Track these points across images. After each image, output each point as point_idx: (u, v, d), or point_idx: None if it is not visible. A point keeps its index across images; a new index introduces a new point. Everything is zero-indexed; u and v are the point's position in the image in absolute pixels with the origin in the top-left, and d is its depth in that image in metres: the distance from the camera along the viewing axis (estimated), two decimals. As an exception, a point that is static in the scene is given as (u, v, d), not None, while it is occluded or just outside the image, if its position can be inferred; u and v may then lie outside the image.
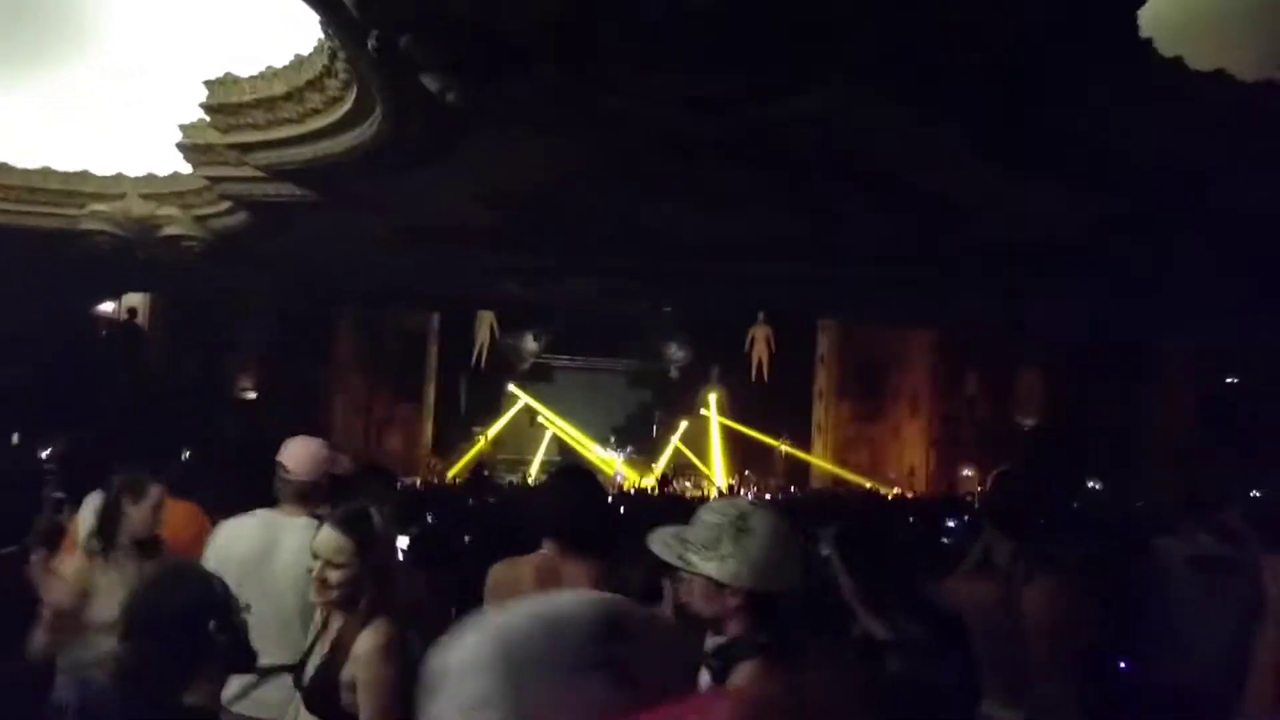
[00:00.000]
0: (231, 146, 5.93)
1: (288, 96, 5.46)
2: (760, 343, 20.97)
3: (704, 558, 1.77)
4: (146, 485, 3.51)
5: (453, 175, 5.57)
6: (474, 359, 22.47)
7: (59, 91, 7.38)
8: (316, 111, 5.36)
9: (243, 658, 1.99)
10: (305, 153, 5.64)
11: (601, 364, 23.16)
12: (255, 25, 5.81)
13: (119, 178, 7.89)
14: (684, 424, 21.53)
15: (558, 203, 6.12)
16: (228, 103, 5.72)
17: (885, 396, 18.95)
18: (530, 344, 23.76)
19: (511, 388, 21.73)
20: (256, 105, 5.62)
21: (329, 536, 2.36)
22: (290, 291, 14.12)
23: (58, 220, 7.87)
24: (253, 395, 18.49)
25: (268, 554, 3.23)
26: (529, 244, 6.97)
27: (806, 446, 19.81)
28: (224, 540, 3.23)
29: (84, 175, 7.84)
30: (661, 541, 1.88)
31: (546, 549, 2.85)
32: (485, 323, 22.46)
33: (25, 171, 7.68)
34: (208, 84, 5.76)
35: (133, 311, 16.09)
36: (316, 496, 3.42)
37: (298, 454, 3.54)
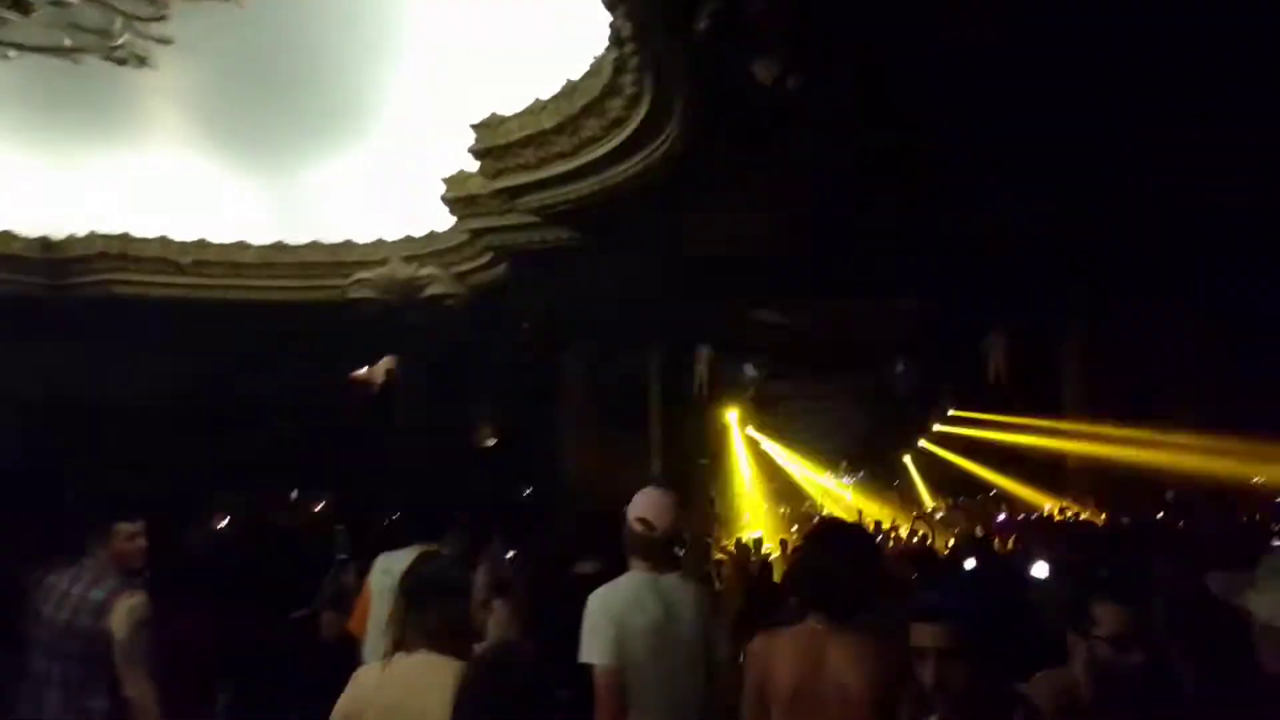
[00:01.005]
0: (500, 192, 5.38)
1: (559, 129, 4.84)
2: (998, 353, 19.10)
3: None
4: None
5: (736, 196, 4.75)
6: (696, 391, 21.88)
7: (335, 168, 7.21)
8: (593, 140, 4.69)
9: None
10: (580, 188, 5.00)
11: (825, 389, 21.95)
12: (517, 71, 5.25)
13: (379, 243, 7.67)
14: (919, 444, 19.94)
15: (848, 216, 5.18)
16: (495, 145, 5.18)
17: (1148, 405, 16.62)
18: (750, 373, 22.88)
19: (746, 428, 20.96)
20: (526, 143, 5.04)
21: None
22: (524, 339, 14.00)
23: (327, 292, 7.74)
24: (493, 443, 18.71)
25: (669, 620, 2.97)
26: (801, 266, 6.06)
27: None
28: (618, 610, 2.94)
29: (349, 245, 7.67)
30: None
31: (813, 620, 2.55)
32: (704, 357, 21.84)
33: (297, 248, 7.60)
34: (475, 127, 5.25)
35: (390, 372, 16.50)
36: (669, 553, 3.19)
37: (658, 507, 3.20)
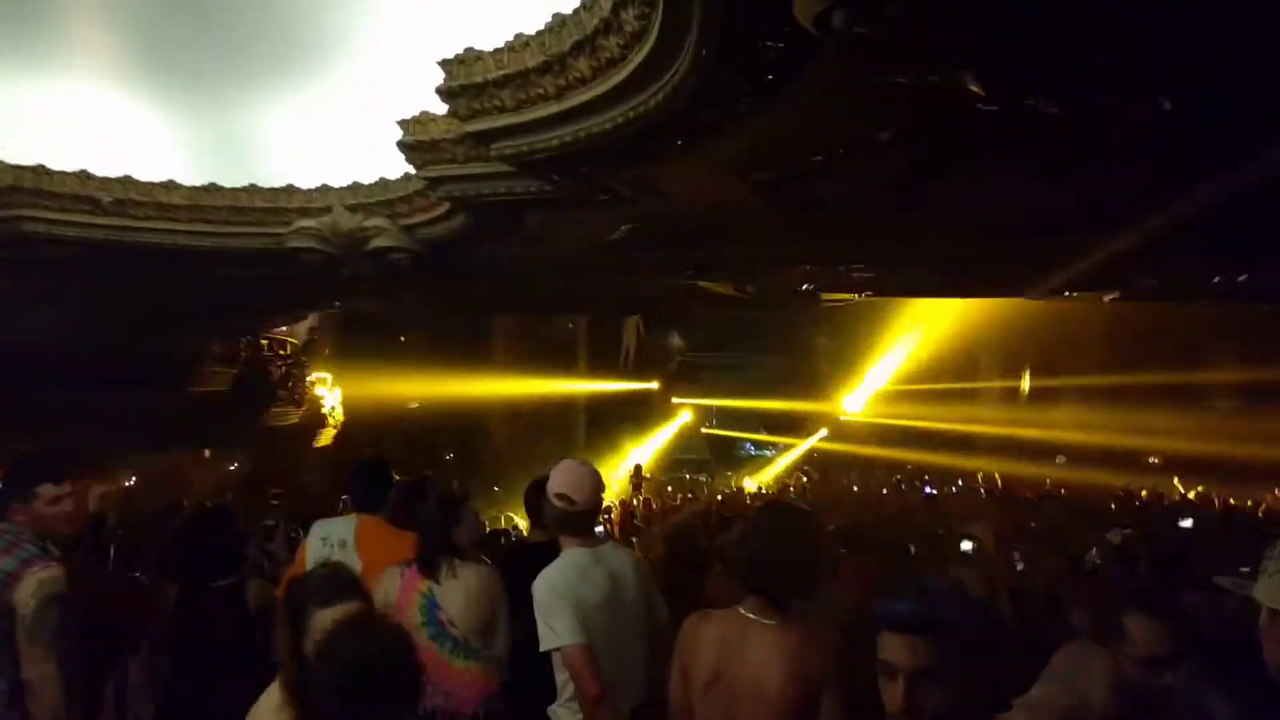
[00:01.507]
0: (471, 136, 4.97)
1: (544, 68, 4.46)
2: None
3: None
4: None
5: (735, 148, 4.47)
6: (621, 359, 21.70)
7: (295, 109, 6.63)
8: (582, 81, 4.33)
9: None
10: (563, 134, 4.63)
11: (748, 359, 22.03)
12: (492, 2, 4.82)
13: (323, 190, 7.12)
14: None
15: (844, 176, 4.94)
16: (468, 84, 4.76)
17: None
18: (676, 342, 22.81)
19: (669, 397, 20.89)
20: (504, 83, 4.63)
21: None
22: (449, 303, 13.52)
23: (264, 240, 7.16)
24: (414, 405, 18.22)
25: (616, 591, 2.99)
26: (787, 231, 5.82)
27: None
28: (568, 587, 2.92)
29: (289, 190, 7.09)
30: None
31: (745, 606, 2.49)
32: (631, 325, 21.65)
33: (232, 190, 6.99)
34: (445, 64, 4.81)
35: (313, 331, 15.77)
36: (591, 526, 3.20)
37: (578, 481, 3.18)
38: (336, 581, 2.38)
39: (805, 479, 16.68)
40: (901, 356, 18.38)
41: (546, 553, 3.35)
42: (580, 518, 3.07)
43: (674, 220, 6.10)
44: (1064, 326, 15.13)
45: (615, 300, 12.32)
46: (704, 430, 22.02)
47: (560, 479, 3.26)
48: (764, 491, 14.69)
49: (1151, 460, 15.26)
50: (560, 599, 2.86)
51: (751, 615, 2.48)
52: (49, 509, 3.30)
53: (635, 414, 21.31)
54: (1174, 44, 3.34)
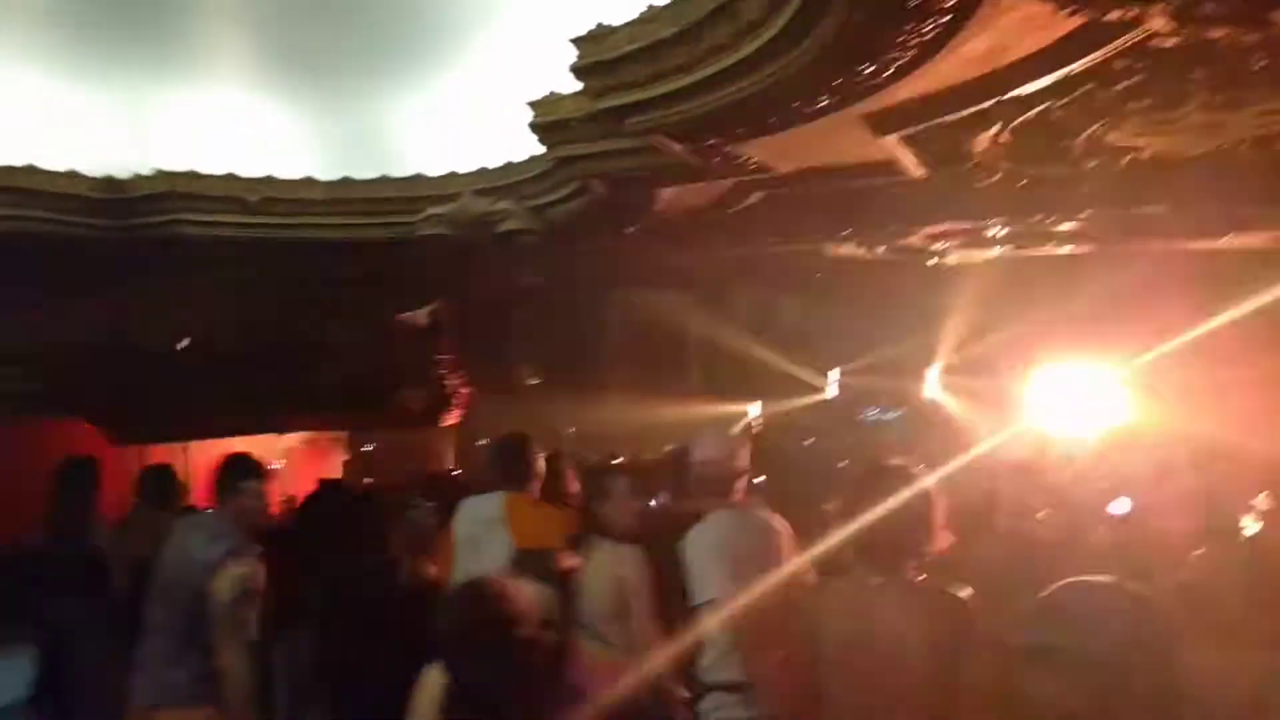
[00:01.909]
0: (605, 112, 4.92)
1: (678, 38, 4.36)
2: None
3: None
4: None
5: (885, 103, 4.28)
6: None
7: (406, 96, 6.74)
8: (719, 49, 4.21)
9: None
10: (697, 105, 4.52)
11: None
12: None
13: (452, 177, 7.22)
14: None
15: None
16: (601, 60, 4.70)
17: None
18: (788, 311, 22.43)
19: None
20: (637, 56, 4.56)
21: None
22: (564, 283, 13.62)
23: (397, 230, 7.33)
24: (534, 382, 18.51)
25: (763, 550, 3.10)
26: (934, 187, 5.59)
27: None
28: (720, 537, 3.05)
29: (419, 179, 7.22)
30: None
31: (862, 571, 2.59)
32: (743, 296, 21.39)
33: (366, 183, 7.16)
34: (577, 41, 4.76)
35: (434, 314, 16.17)
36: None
37: (724, 448, 3.40)
38: None
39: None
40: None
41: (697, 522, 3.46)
42: (724, 481, 3.29)
43: (805, 184, 5.94)
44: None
45: (729, 272, 12.16)
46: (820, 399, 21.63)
47: (702, 446, 3.43)
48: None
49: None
50: (711, 553, 3.00)
51: (874, 580, 2.45)
52: (252, 502, 3.50)
53: (752, 379, 21.09)
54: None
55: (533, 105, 5.65)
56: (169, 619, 3.64)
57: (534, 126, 5.65)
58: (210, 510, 3.56)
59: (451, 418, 17.38)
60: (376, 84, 6.55)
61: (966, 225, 6.80)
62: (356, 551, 4.45)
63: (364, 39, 6.26)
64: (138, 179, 6.49)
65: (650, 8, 4.48)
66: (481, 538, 4.08)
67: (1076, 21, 3.26)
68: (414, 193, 7.23)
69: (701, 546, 3.10)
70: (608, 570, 3.47)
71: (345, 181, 7.14)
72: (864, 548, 2.54)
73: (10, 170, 5.90)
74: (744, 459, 3.44)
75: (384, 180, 7.18)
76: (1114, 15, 3.16)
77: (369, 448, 13.51)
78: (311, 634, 4.41)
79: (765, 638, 3.00)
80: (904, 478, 2.63)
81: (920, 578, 2.53)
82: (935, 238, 7.47)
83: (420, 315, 15.79)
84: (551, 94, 5.54)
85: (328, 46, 6.39)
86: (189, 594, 3.53)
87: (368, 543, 4.58)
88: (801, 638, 2.60)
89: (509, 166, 6.94)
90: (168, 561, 3.41)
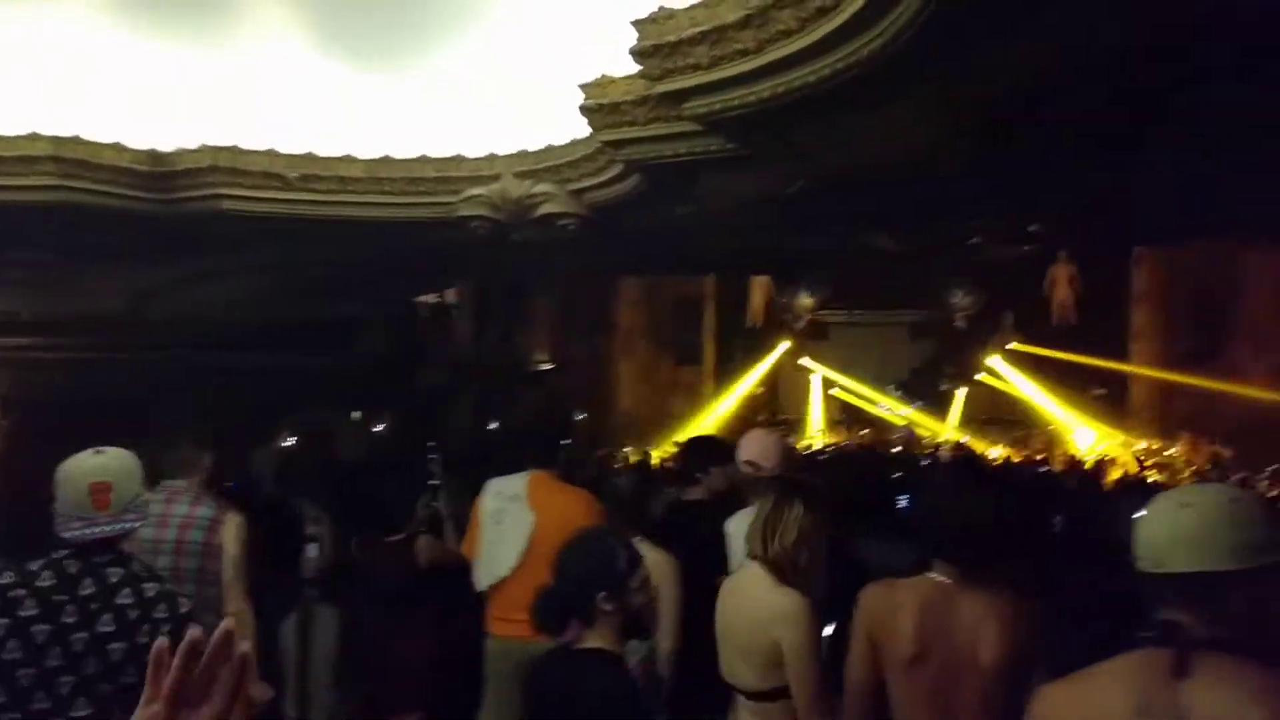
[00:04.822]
0: (666, 96, 4.88)
1: (744, 23, 4.31)
2: (1062, 284, 18.49)
3: None
4: None
5: (951, 90, 4.23)
6: (749, 320, 21.42)
7: (436, 75, 6.69)
8: (785, 34, 4.17)
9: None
10: (761, 90, 4.48)
11: (879, 317, 21.40)
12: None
13: (491, 159, 7.18)
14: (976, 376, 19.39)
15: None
16: (662, 43, 4.66)
17: (1222, 335, 15.91)
18: (805, 300, 22.33)
19: (798, 357, 20.43)
20: (700, 39, 4.51)
21: None
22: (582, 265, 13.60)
23: (436, 209, 7.30)
24: (548, 366, 18.52)
25: None
26: (980, 176, 5.54)
27: (1122, 396, 17.33)
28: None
29: (458, 160, 7.19)
30: None
31: (938, 572, 2.35)
32: (760, 283, 21.31)
33: (405, 162, 7.13)
34: (637, 24, 4.72)
35: (460, 293, 16.17)
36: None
37: (764, 447, 3.44)
38: None
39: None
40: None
41: (712, 508, 3.53)
42: (765, 484, 3.31)
43: (852, 173, 5.89)
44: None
45: (757, 258, 12.12)
46: (831, 394, 21.51)
47: (749, 446, 3.47)
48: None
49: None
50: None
51: (948, 580, 2.35)
52: (213, 469, 3.77)
53: (762, 375, 21.02)
54: None
55: (584, 88, 5.61)
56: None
57: (584, 109, 5.61)
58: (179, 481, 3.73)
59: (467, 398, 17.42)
60: (418, 62, 6.51)
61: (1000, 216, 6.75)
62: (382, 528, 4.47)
63: (407, 16, 6.22)
64: (181, 153, 6.46)
65: (714, -10, 4.44)
66: (505, 513, 4.09)
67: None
68: (453, 172, 7.19)
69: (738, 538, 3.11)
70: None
71: (385, 160, 7.10)
72: (941, 547, 2.45)
73: (58, 141, 5.87)
74: (785, 460, 3.46)
75: (424, 159, 7.15)
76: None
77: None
78: (329, 609, 4.39)
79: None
80: (990, 470, 2.58)
81: None
82: (972, 229, 7.43)
83: (444, 297, 15.80)
84: (603, 76, 5.50)
85: (371, 21, 6.35)
86: (196, 555, 3.61)
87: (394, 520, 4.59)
88: (862, 641, 2.54)
89: (549, 149, 6.91)
90: (150, 534, 3.41)
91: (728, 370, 20.67)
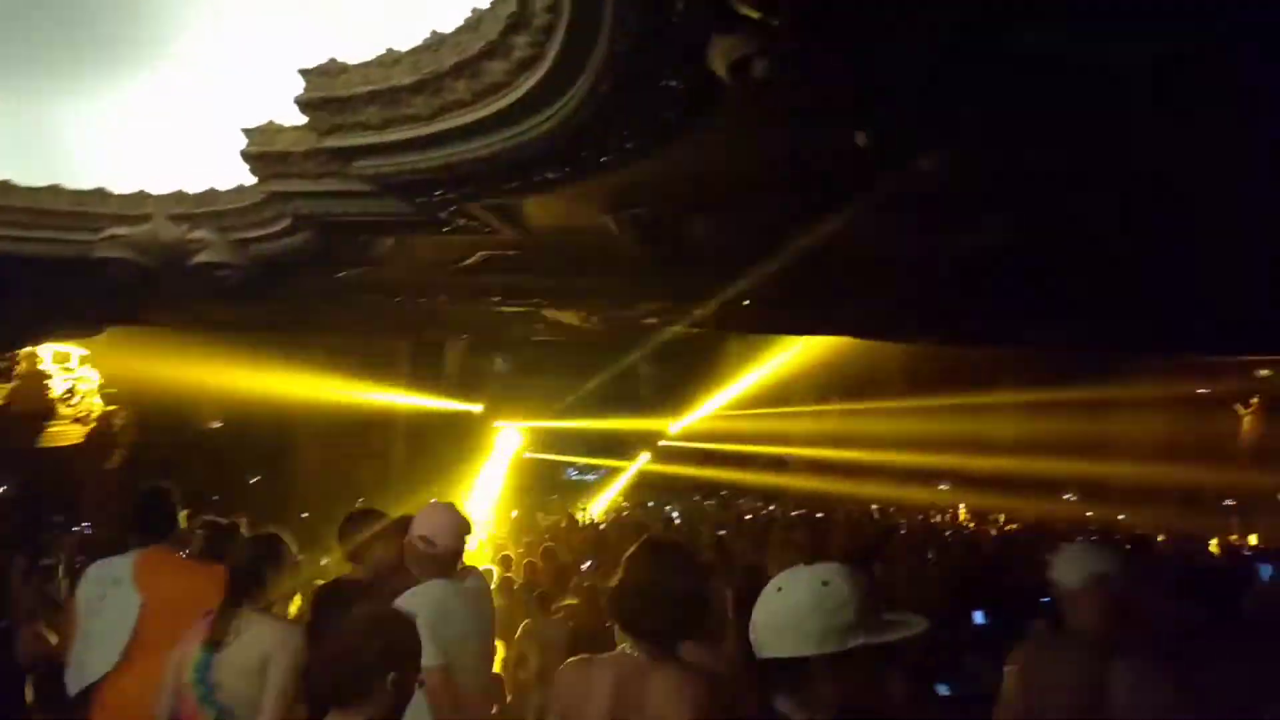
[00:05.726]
0: (329, 152, 4.61)
1: (417, 87, 4.19)
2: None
3: None
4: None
5: (613, 183, 4.38)
6: (444, 381, 21.03)
7: (114, 105, 5.90)
8: (459, 104, 4.10)
9: None
10: (432, 159, 4.37)
11: (572, 384, 21.94)
12: (358, 14, 4.50)
13: (141, 196, 6.41)
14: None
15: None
16: (333, 96, 4.41)
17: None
18: (500, 365, 22.40)
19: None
20: (371, 99, 4.32)
21: None
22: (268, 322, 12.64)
23: (69, 247, 6.34)
24: (218, 425, 16.88)
25: (476, 621, 3.13)
26: (647, 267, 5.78)
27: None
28: (431, 608, 2.90)
29: (101, 194, 6.33)
30: None
31: (630, 648, 2.32)
32: (455, 346, 21.06)
33: (31, 190, 6.15)
34: (306, 73, 4.43)
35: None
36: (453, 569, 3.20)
37: (441, 526, 3.19)
38: None
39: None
40: (726, 385, 18.96)
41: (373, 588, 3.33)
42: (441, 560, 3.13)
43: (530, 249, 5.93)
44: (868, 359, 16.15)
45: (449, 324, 11.89)
46: (524, 456, 21.62)
47: (424, 521, 3.21)
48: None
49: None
50: (421, 626, 2.77)
51: (640, 656, 2.34)
52: None
53: (456, 438, 20.69)
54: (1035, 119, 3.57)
55: (248, 133, 5.17)
56: None
57: (246, 155, 5.16)
58: None
59: (115, 458, 15.32)
60: (56, 83, 5.70)
61: (672, 303, 7.13)
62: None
63: (48, 34, 5.44)
64: None
65: (389, 51, 4.29)
66: (105, 600, 3.54)
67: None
68: (94, 208, 6.33)
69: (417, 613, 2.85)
70: (257, 651, 3.02)
71: (4, 185, 6.10)
72: (633, 624, 2.36)
73: None
74: (462, 539, 3.22)
75: (55, 189, 6.23)
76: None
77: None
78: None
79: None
80: (678, 552, 2.52)
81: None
82: (649, 312, 7.78)
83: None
84: (270, 123, 5.11)
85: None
86: None
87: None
88: (557, 717, 2.42)
89: (211, 193, 6.29)
90: None
91: (419, 434, 20.07)
